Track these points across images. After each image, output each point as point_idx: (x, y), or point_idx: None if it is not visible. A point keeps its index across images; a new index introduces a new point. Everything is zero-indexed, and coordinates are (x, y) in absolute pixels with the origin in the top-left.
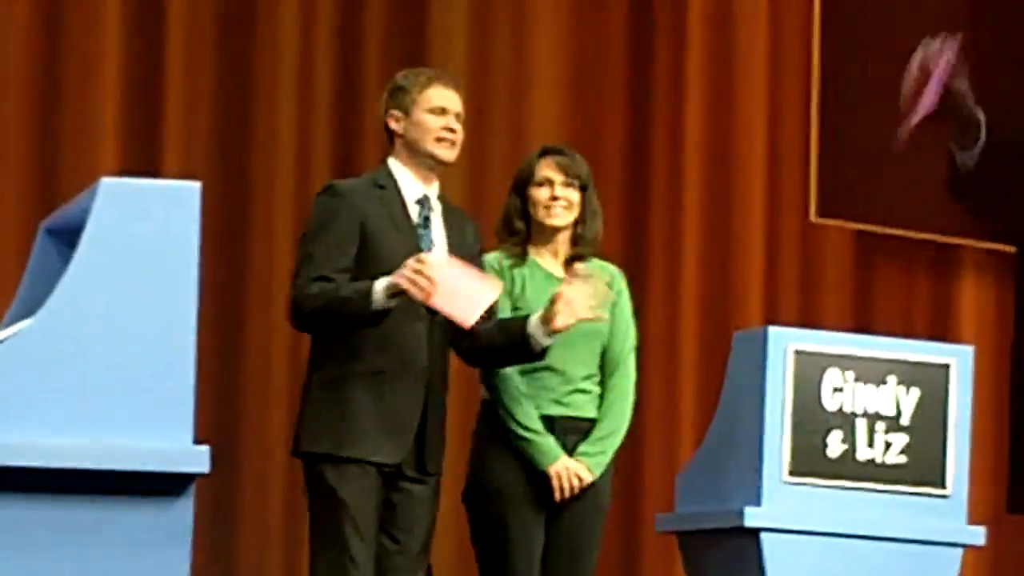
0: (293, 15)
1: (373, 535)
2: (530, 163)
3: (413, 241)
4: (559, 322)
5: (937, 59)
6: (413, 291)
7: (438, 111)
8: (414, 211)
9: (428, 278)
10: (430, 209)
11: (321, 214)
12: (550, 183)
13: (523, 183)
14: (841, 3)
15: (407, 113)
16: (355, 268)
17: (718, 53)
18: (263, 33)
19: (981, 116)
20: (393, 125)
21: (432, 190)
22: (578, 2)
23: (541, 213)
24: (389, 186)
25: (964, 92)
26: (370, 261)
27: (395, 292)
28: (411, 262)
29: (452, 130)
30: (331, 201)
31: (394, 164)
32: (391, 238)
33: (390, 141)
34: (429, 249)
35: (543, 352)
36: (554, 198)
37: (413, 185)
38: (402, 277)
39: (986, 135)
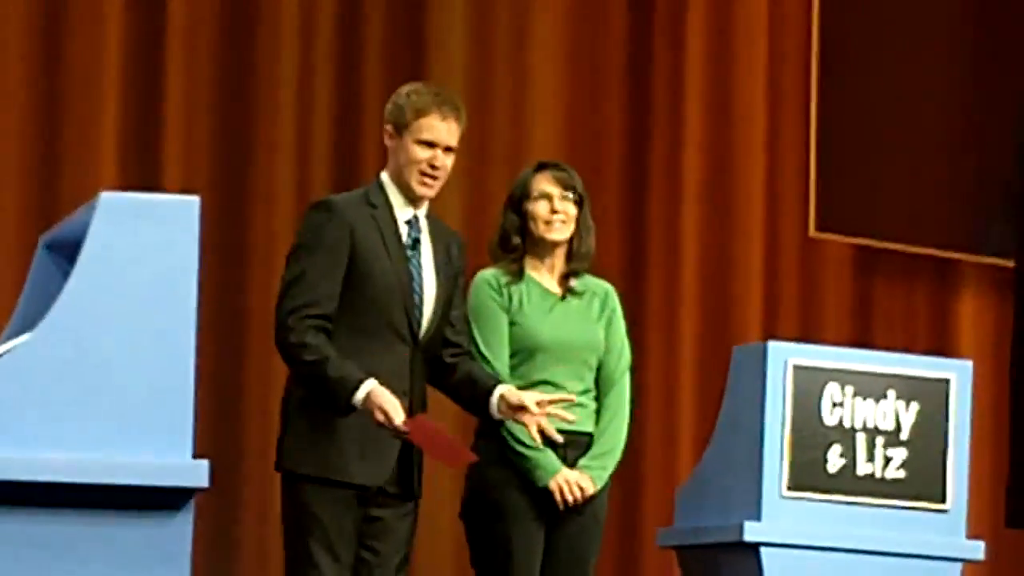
0: (292, 30)
1: (348, 555)
2: (526, 178)
3: (403, 263)
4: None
5: None
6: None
7: (426, 144)
8: (403, 231)
9: (399, 431)
10: (419, 231)
11: (313, 231)
12: (548, 197)
13: (519, 199)
14: (840, 18)
15: (399, 133)
16: (344, 288)
17: (717, 68)
18: (262, 48)
19: None
20: (386, 140)
21: (421, 211)
22: (577, 17)
23: (541, 228)
24: (381, 205)
25: None
26: (359, 280)
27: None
28: (380, 417)
29: (435, 167)
30: (323, 218)
31: (387, 181)
32: (382, 260)
33: (387, 152)
34: (417, 273)
35: (501, 421)
36: (554, 212)
37: (403, 205)
38: (377, 416)
39: None
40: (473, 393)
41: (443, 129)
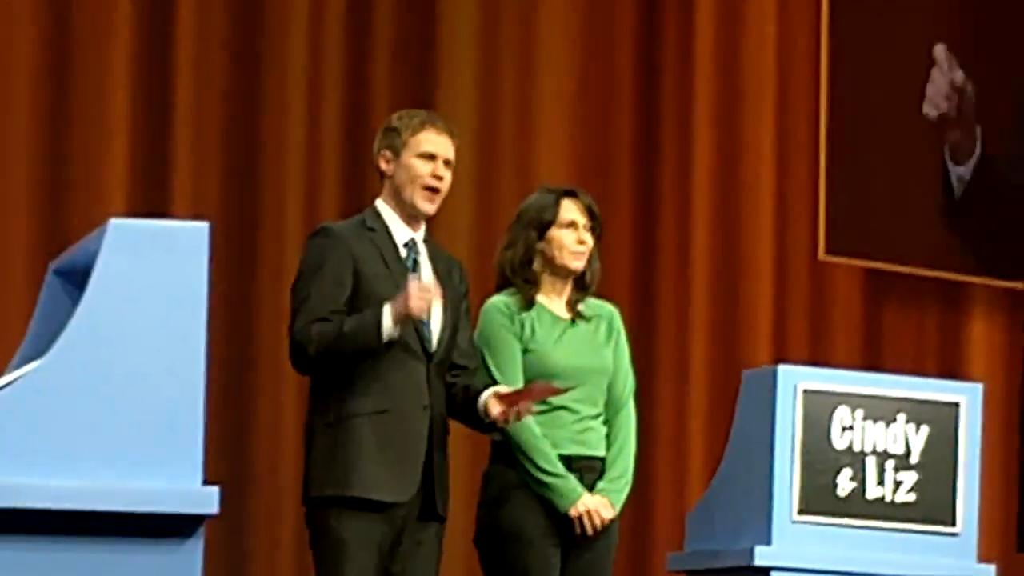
0: (301, 55)
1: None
2: (552, 204)
3: (405, 282)
4: (493, 413)
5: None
6: (423, 309)
7: (427, 156)
8: (403, 254)
9: (431, 300)
10: (417, 253)
11: (315, 256)
12: (575, 226)
13: (545, 224)
14: (849, 40)
15: (397, 155)
16: (349, 310)
17: (726, 90)
18: (271, 74)
19: (979, 130)
20: (383, 166)
21: (419, 235)
22: (585, 35)
23: (566, 257)
24: (378, 228)
25: (971, 101)
26: (365, 302)
27: (402, 319)
28: (416, 285)
29: (439, 177)
30: (324, 243)
31: (382, 207)
32: (384, 280)
33: (381, 181)
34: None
35: (491, 426)
36: (580, 242)
37: (401, 228)
38: (410, 303)
39: (980, 150)
40: (466, 399)
41: (441, 141)
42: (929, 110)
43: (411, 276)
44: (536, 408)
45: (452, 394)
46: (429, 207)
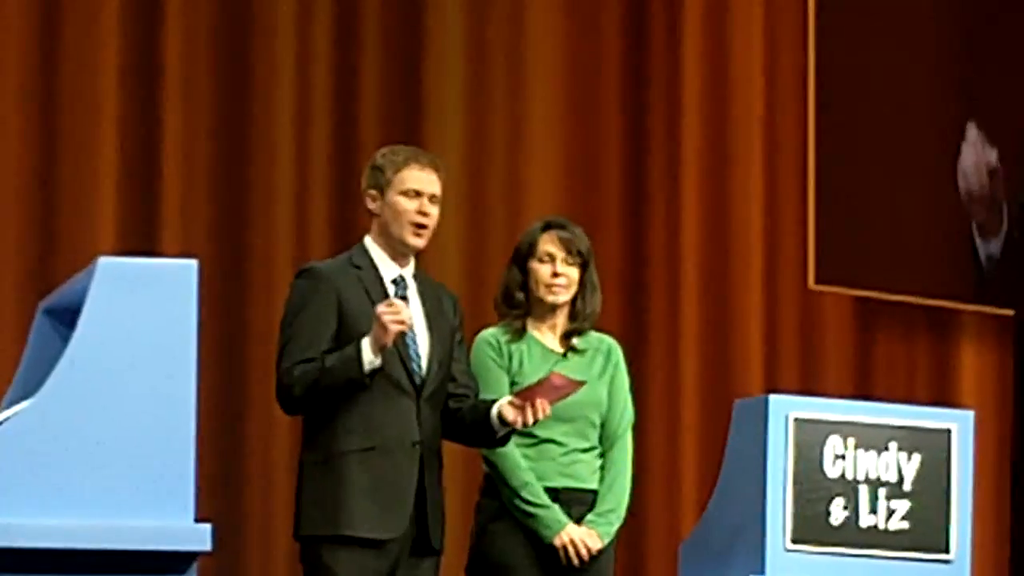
0: (288, 87)
1: None
2: (532, 236)
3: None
4: (510, 417)
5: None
6: (395, 330)
7: (412, 194)
8: (391, 291)
9: (401, 318)
10: (405, 288)
11: (299, 297)
12: (552, 259)
13: (524, 256)
14: (837, 66)
15: (382, 193)
16: (334, 350)
17: (714, 118)
18: (258, 109)
19: (1005, 206)
20: (370, 205)
21: (408, 270)
22: (573, 70)
23: (542, 290)
24: (365, 266)
25: (1000, 181)
26: (349, 342)
27: (381, 345)
28: (381, 308)
29: (425, 214)
30: (308, 284)
31: (370, 244)
32: (370, 318)
33: (371, 219)
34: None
35: (504, 438)
36: (555, 275)
37: (389, 265)
38: (381, 330)
39: (1007, 225)
40: (475, 417)
41: (425, 178)
42: (963, 184)
43: (377, 307)
44: (549, 409)
45: (459, 417)
46: (418, 242)
